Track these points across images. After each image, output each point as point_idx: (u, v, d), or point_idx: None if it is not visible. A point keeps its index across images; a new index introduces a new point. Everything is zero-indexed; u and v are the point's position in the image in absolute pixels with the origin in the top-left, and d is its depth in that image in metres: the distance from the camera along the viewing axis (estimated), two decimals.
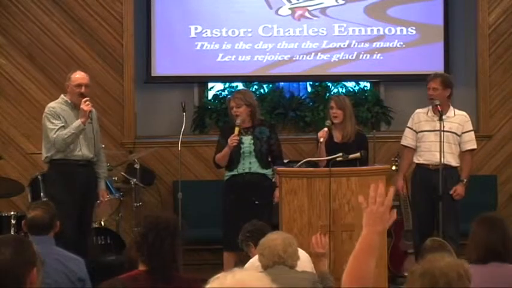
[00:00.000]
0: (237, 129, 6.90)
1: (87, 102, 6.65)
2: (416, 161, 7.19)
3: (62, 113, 6.71)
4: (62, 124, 6.66)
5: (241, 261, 6.00)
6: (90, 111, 6.69)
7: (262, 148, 6.99)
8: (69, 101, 6.76)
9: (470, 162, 7.23)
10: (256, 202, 6.83)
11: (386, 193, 2.87)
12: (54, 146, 6.66)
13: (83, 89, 6.72)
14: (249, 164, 6.97)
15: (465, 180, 7.09)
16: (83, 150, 6.73)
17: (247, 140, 6.99)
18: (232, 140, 6.87)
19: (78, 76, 6.79)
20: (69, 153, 6.69)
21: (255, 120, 7.04)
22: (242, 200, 6.86)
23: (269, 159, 7.06)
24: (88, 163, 6.81)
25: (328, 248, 5.31)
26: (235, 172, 6.99)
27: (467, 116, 7.26)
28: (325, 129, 6.95)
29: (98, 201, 6.96)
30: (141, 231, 3.93)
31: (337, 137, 7.05)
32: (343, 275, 2.83)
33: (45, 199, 6.77)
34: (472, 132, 7.22)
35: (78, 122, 6.63)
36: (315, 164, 6.81)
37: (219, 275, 2.22)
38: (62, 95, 6.85)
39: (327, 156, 6.78)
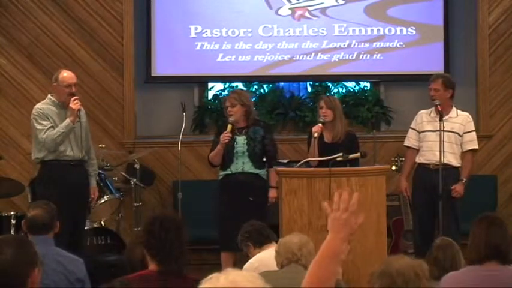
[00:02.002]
0: (229, 127, 6.92)
1: (76, 101, 6.60)
2: (418, 161, 7.20)
3: (50, 113, 6.66)
4: (51, 125, 6.61)
5: (241, 262, 6.01)
6: (79, 110, 6.67)
7: (255, 148, 7.01)
8: (57, 101, 6.70)
9: (470, 162, 7.22)
10: (251, 199, 6.84)
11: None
12: (44, 146, 6.63)
13: (73, 89, 6.68)
14: (242, 164, 7.00)
15: (465, 179, 7.09)
16: (74, 151, 6.71)
17: (241, 140, 7.01)
18: (224, 137, 6.89)
19: (66, 75, 6.72)
20: (61, 154, 6.66)
21: (249, 120, 7.05)
22: (236, 199, 6.88)
23: (264, 159, 7.07)
24: (79, 163, 6.78)
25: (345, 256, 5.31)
26: (228, 172, 7.02)
27: (470, 116, 7.26)
28: (320, 124, 6.96)
29: (89, 199, 6.95)
30: (146, 228, 3.94)
31: (327, 137, 7.05)
32: (303, 280, 2.82)
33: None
34: (474, 133, 7.22)
35: (67, 121, 6.59)
36: (307, 164, 6.82)
37: (212, 275, 2.22)
38: (49, 95, 6.78)
39: (318, 154, 6.81)
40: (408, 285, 2.74)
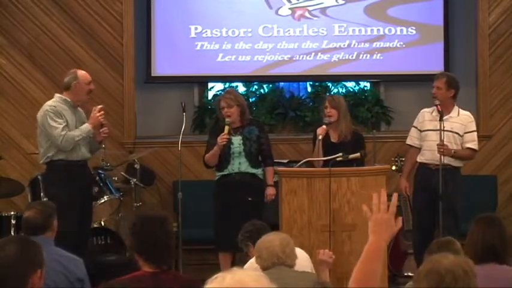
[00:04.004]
0: (226, 128, 6.93)
1: (102, 112, 6.63)
2: (419, 160, 7.19)
3: (62, 111, 6.63)
4: (65, 123, 6.58)
5: (240, 262, 6.01)
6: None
7: (251, 148, 7.02)
8: (69, 100, 6.66)
9: (468, 153, 7.13)
10: (250, 199, 6.85)
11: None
12: (57, 144, 6.51)
13: (92, 86, 6.71)
14: (239, 164, 7.00)
15: (453, 151, 7.01)
16: (82, 150, 6.70)
17: (237, 141, 7.02)
18: (222, 138, 6.89)
19: (84, 73, 6.74)
20: (70, 153, 6.64)
21: (244, 120, 7.07)
22: (233, 199, 6.88)
23: (260, 158, 7.08)
24: (86, 163, 6.79)
25: (333, 259, 5.29)
26: (225, 172, 7.03)
27: (471, 116, 7.23)
28: (324, 126, 6.97)
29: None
30: (131, 232, 4.02)
31: (334, 137, 7.06)
32: (350, 279, 2.85)
33: (45, 199, 6.75)
34: (475, 133, 7.17)
35: (88, 127, 6.58)
36: (311, 164, 6.82)
37: (217, 274, 2.21)
38: (59, 95, 6.71)
39: (323, 155, 6.80)
40: (457, 283, 2.68)
